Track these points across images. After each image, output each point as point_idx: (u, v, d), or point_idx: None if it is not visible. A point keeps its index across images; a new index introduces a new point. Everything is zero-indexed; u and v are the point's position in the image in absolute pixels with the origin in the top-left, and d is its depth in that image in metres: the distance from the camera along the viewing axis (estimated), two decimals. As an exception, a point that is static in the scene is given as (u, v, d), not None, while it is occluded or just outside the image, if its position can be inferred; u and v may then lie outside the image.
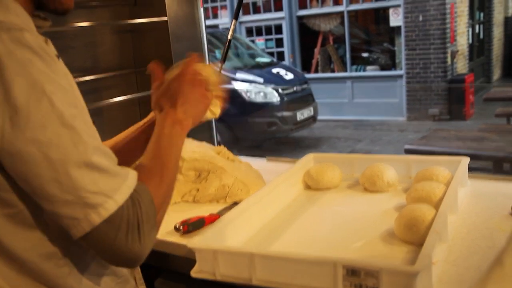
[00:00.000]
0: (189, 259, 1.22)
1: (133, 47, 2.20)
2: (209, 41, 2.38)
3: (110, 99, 2.01)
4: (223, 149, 1.76)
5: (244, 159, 1.85)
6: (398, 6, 9.30)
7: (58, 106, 0.73)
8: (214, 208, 1.51)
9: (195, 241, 1.12)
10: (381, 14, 10.07)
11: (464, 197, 1.45)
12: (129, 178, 0.80)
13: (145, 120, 1.18)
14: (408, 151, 4.64)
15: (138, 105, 2.22)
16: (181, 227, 1.35)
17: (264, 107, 6.96)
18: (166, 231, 1.39)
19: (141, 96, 2.17)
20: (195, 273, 1.13)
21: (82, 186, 0.74)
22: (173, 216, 1.48)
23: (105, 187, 0.75)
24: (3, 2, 0.80)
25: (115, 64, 2.15)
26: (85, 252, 0.88)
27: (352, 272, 0.98)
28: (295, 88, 7.39)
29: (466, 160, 1.54)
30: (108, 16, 2.10)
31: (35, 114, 0.72)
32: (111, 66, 2.13)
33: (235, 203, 1.50)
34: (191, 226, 1.36)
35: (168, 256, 1.34)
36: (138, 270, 1.18)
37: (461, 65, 9.64)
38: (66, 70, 0.84)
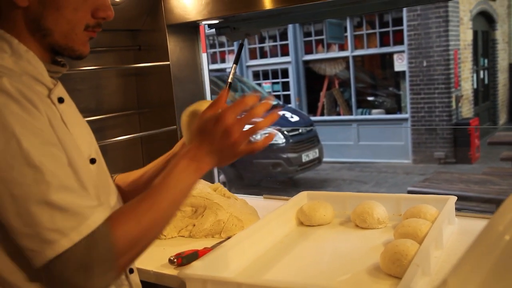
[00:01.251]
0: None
1: (136, 89, 2.31)
2: (215, 84, 2.49)
3: (114, 138, 2.09)
4: (219, 186, 1.82)
5: (242, 197, 1.91)
6: (402, 52, 9.49)
7: (26, 147, 0.80)
8: (209, 243, 1.56)
9: (185, 271, 1.17)
10: (386, 59, 10.27)
11: (451, 234, 1.49)
12: (92, 218, 0.82)
13: (173, 149, 1.22)
14: (411, 193, 4.67)
15: (141, 144, 2.30)
16: (175, 260, 1.40)
17: (269, 148, 7.05)
18: (161, 264, 1.44)
19: (143, 136, 2.25)
20: (185, 302, 1.17)
21: (40, 222, 0.79)
22: (169, 250, 1.54)
23: (62, 225, 0.80)
24: (17, 50, 0.92)
25: (119, 105, 2.25)
26: None
27: (333, 301, 1.02)
28: (300, 130, 7.48)
29: (453, 199, 1.59)
30: (114, 61, 2.21)
31: (3, 154, 0.79)
32: (115, 107, 2.23)
33: (229, 239, 1.55)
34: (185, 259, 1.41)
35: (156, 287, 1.39)
36: None
37: (466, 110, 9.74)
38: (54, 112, 0.91)
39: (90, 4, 0.97)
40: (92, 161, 1.02)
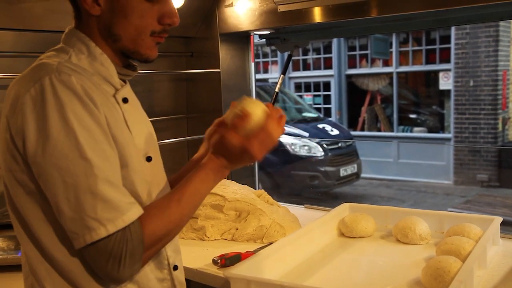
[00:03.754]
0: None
1: (187, 94, 2.38)
2: (257, 94, 2.54)
3: (163, 141, 2.17)
4: (263, 193, 1.86)
5: (283, 205, 1.95)
6: (449, 70, 9.34)
7: (81, 141, 0.89)
8: (251, 247, 1.60)
9: (231, 271, 1.21)
10: (431, 77, 10.12)
11: (495, 255, 1.48)
12: (128, 214, 0.91)
13: (199, 151, 1.29)
14: (452, 214, 4.58)
15: (187, 147, 2.37)
16: (219, 261, 1.45)
17: (308, 161, 7.05)
18: (205, 264, 1.49)
19: (191, 140, 2.32)
20: (228, 302, 1.21)
21: (84, 209, 0.89)
22: (212, 251, 1.59)
23: (102, 215, 0.89)
24: (93, 53, 1.02)
25: (169, 109, 2.33)
26: None
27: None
28: (339, 144, 7.45)
29: (498, 220, 1.58)
30: (167, 66, 2.30)
31: (61, 145, 0.89)
32: (165, 110, 2.31)
33: (271, 244, 1.58)
34: (228, 261, 1.45)
35: (205, 287, 1.43)
36: None
37: (513, 132, 9.48)
38: (117, 111, 1.00)
39: (157, 11, 1.03)
40: (148, 159, 1.07)
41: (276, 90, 2.30)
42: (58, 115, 0.89)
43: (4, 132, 0.96)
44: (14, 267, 1.42)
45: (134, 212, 0.93)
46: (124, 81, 1.08)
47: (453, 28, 8.77)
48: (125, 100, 1.04)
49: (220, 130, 1.07)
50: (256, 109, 1.05)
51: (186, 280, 1.19)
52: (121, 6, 1.00)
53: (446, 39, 9.30)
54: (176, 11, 1.06)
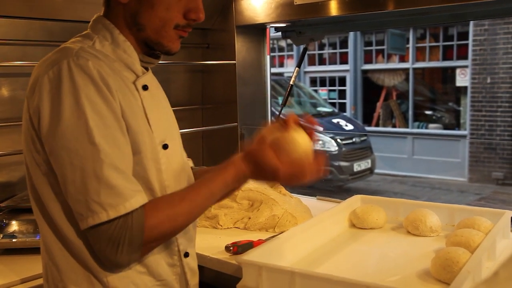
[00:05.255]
0: (235, 277, 1.34)
1: (202, 85, 2.42)
2: (273, 88, 2.56)
3: (178, 131, 2.20)
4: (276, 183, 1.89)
5: (296, 196, 1.97)
6: (466, 67, 9.25)
7: (91, 126, 0.92)
8: (263, 236, 1.63)
9: (243, 257, 1.24)
10: (448, 73, 10.03)
11: (505, 248, 1.49)
12: (131, 201, 0.92)
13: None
14: (465, 211, 4.57)
15: (202, 138, 2.41)
16: (232, 248, 1.48)
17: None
18: (217, 251, 1.53)
19: (205, 130, 2.36)
20: (240, 287, 1.24)
21: (89, 192, 0.91)
22: (224, 239, 1.62)
23: (105, 200, 0.90)
24: (116, 40, 1.05)
25: (184, 100, 2.36)
26: None
27: (383, 297, 1.06)
28: (354, 139, 7.44)
29: (509, 213, 1.59)
30: (183, 57, 2.33)
31: (72, 127, 0.92)
32: (181, 101, 2.34)
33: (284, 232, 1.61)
34: (241, 248, 1.48)
35: (213, 272, 1.47)
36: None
37: (530, 130, 9.36)
38: (135, 98, 1.02)
39: (183, 5, 1.05)
40: (165, 146, 1.09)
41: (291, 82, 2.32)
42: (72, 98, 0.92)
43: (25, 113, 1.00)
44: (33, 250, 1.47)
45: (137, 200, 0.93)
46: (147, 69, 1.11)
47: (471, 24, 8.67)
48: (145, 87, 1.06)
49: (260, 141, 1.05)
50: (303, 142, 1.04)
51: (199, 266, 1.21)
52: None
53: (464, 35, 9.21)
54: (202, 7, 1.07)
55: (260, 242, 1.52)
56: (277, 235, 1.61)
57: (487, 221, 1.55)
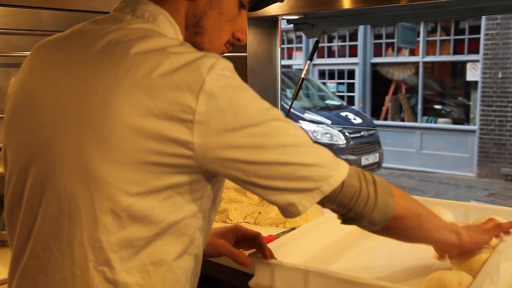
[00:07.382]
0: (246, 273, 1.32)
1: (213, 78, 2.39)
2: (281, 80, 2.53)
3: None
4: (287, 178, 1.86)
5: (306, 190, 1.95)
6: (477, 61, 9.17)
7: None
8: (273, 231, 1.61)
9: (255, 254, 1.22)
10: (458, 68, 9.96)
11: (521, 249, 1.46)
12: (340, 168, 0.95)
13: None
14: (474, 207, 4.53)
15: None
16: (242, 244, 1.46)
17: (329, 148, 7.02)
18: (227, 246, 1.50)
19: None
20: (252, 284, 1.22)
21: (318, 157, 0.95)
22: (235, 234, 1.59)
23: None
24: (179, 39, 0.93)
25: (195, 92, 2.34)
26: None
27: (398, 298, 1.03)
28: (362, 133, 7.41)
29: (526, 213, 1.55)
30: (195, 48, 2.30)
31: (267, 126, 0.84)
32: (191, 93, 2.32)
33: (293, 229, 1.59)
34: (251, 244, 1.46)
35: (226, 269, 1.45)
36: None
37: (540, 126, 9.28)
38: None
39: (238, 23, 0.97)
40: None
41: (302, 76, 2.29)
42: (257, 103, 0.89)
43: None
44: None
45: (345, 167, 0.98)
46: None
47: (483, 18, 8.58)
48: None
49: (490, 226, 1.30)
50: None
51: (208, 261, 1.19)
52: (221, 1, 0.92)
53: (475, 29, 9.11)
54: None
55: (271, 238, 1.49)
56: (288, 230, 1.59)
57: (504, 220, 1.51)
